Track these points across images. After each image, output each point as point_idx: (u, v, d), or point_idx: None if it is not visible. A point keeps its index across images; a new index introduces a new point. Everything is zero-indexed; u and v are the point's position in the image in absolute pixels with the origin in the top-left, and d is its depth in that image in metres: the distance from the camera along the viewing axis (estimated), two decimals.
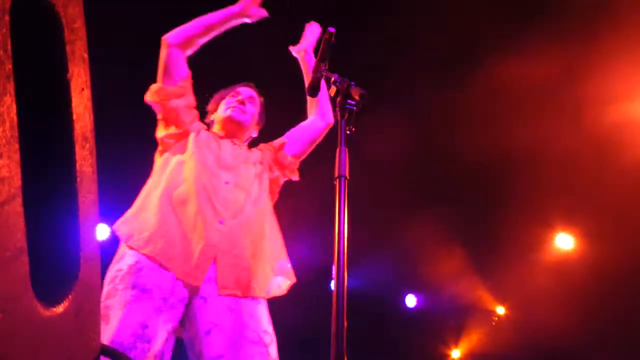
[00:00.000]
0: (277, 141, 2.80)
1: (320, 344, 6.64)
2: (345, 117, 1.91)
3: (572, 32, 5.03)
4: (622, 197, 6.45)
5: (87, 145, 0.96)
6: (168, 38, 2.53)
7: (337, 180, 1.80)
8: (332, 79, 2.00)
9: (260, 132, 2.92)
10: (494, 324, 9.51)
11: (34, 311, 0.80)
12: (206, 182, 2.37)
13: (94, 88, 0.98)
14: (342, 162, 1.82)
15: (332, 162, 1.83)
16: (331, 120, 2.86)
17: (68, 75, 0.91)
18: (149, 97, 2.53)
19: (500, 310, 9.44)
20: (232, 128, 2.68)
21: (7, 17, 0.75)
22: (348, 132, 1.89)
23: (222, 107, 2.73)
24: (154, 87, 2.53)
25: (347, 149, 1.85)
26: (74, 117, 0.92)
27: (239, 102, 2.70)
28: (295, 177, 2.81)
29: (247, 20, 2.71)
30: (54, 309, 0.86)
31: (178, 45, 2.53)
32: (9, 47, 0.75)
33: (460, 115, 6.00)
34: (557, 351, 8.09)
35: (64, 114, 0.91)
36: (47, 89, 0.91)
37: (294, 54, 2.94)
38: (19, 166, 0.76)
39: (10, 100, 0.74)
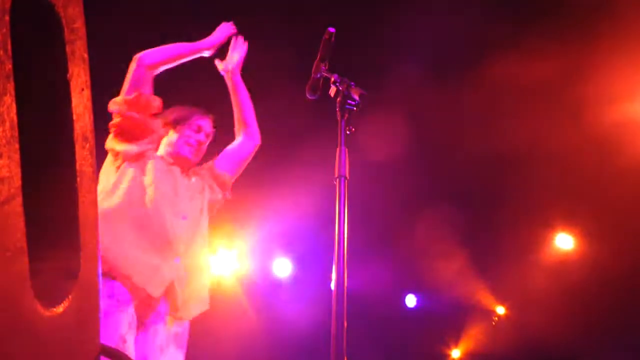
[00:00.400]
0: (211, 165, 2.82)
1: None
2: (345, 117, 1.91)
3: (572, 32, 5.02)
4: (622, 197, 6.45)
5: (87, 145, 0.96)
6: (143, 58, 2.52)
7: (337, 180, 1.80)
8: (332, 79, 2.00)
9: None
10: (493, 324, 9.51)
11: (34, 311, 0.80)
12: (167, 216, 2.43)
13: (93, 88, 0.98)
14: (342, 162, 1.82)
15: (332, 162, 1.83)
16: (258, 141, 2.90)
17: (68, 75, 0.91)
18: (118, 106, 2.47)
19: (500, 310, 9.44)
20: (181, 163, 2.68)
21: (7, 17, 0.75)
22: (348, 132, 1.89)
23: (178, 134, 2.69)
24: (129, 97, 2.48)
25: (347, 149, 1.86)
26: (74, 117, 0.92)
27: (197, 143, 2.70)
28: (230, 196, 2.85)
29: (206, 55, 2.81)
30: (54, 309, 0.86)
31: (151, 67, 2.54)
32: (9, 47, 0.75)
33: (461, 115, 6.00)
34: (557, 351, 8.09)
35: (64, 114, 0.91)
36: (47, 89, 0.91)
37: (221, 71, 2.92)
38: (19, 166, 0.76)
39: (10, 100, 0.74)
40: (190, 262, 2.47)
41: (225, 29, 2.85)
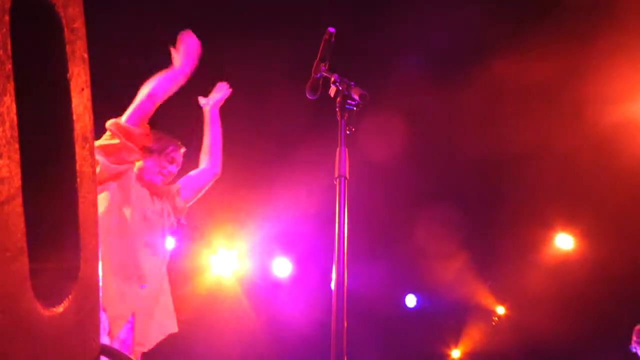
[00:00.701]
0: (174, 187, 2.94)
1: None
2: (345, 117, 1.91)
3: (572, 32, 5.02)
4: (622, 197, 6.45)
5: (87, 145, 0.96)
6: (156, 97, 2.62)
7: (337, 180, 1.80)
8: (332, 78, 1.99)
9: None
10: (493, 323, 9.51)
11: (34, 311, 0.80)
12: (137, 244, 2.53)
13: (93, 88, 0.98)
14: (342, 162, 1.82)
15: (332, 162, 1.83)
16: (218, 170, 3.09)
17: (68, 75, 0.91)
18: (119, 130, 2.55)
19: (500, 310, 9.44)
20: (150, 188, 2.80)
21: (7, 17, 0.75)
22: (348, 132, 1.89)
23: (154, 163, 2.81)
24: (134, 128, 2.57)
25: (347, 149, 1.85)
26: (74, 117, 0.92)
27: (169, 173, 2.84)
28: (184, 220, 3.00)
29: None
30: (54, 309, 0.86)
31: (161, 102, 2.66)
32: (9, 47, 0.75)
33: (460, 115, 6.00)
34: (557, 351, 8.09)
35: (64, 114, 0.91)
36: (47, 89, 0.91)
37: (201, 104, 3.15)
38: (19, 166, 0.76)
39: (10, 100, 0.74)
40: (154, 288, 2.57)
41: (187, 43, 2.83)
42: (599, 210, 6.91)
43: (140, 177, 2.77)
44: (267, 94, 4.85)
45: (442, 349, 9.74)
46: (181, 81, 2.73)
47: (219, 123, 3.13)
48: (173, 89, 2.70)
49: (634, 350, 4.71)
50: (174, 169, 2.85)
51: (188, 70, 2.73)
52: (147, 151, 2.80)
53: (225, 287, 7.17)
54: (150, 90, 2.61)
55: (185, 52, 2.74)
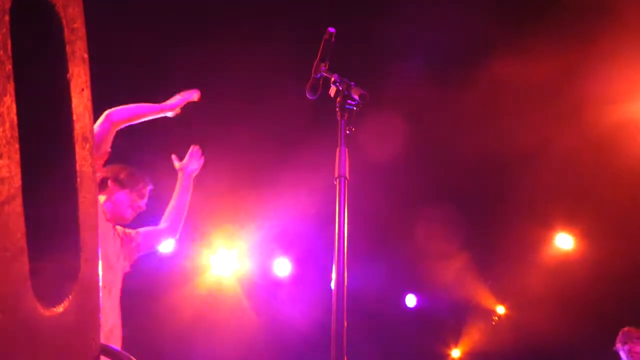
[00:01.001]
0: (135, 237, 2.97)
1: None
2: (345, 117, 1.91)
3: (572, 33, 5.02)
4: (622, 197, 6.45)
5: (87, 145, 0.96)
6: (112, 116, 2.64)
7: (337, 180, 1.80)
8: (332, 78, 1.99)
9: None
10: (494, 323, 9.51)
11: (34, 311, 0.80)
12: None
13: (93, 88, 0.98)
14: (342, 162, 1.82)
15: (332, 162, 1.83)
16: (176, 237, 3.16)
17: (68, 75, 0.91)
18: None
19: (500, 310, 9.44)
20: (117, 221, 2.84)
21: (7, 17, 0.75)
22: (348, 132, 1.89)
23: (125, 198, 2.83)
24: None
25: (347, 149, 1.85)
26: (74, 117, 0.92)
27: (139, 208, 2.88)
28: (129, 269, 2.99)
29: (169, 115, 2.97)
30: (54, 309, 0.86)
31: (117, 124, 2.67)
32: (9, 47, 0.75)
33: (460, 115, 6.00)
34: (557, 351, 8.09)
35: (64, 114, 0.91)
36: (47, 89, 0.91)
37: (175, 167, 3.18)
38: (19, 166, 0.76)
39: (10, 100, 0.74)
40: (105, 332, 2.52)
41: (188, 95, 3.01)
42: (599, 210, 6.91)
43: (111, 210, 2.78)
44: (267, 94, 4.84)
45: (442, 349, 9.74)
46: (149, 116, 2.79)
47: (189, 192, 3.18)
48: (135, 119, 2.74)
49: (618, 351, 4.72)
50: (143, 204, 2.90)
51: (163, 110, 2.83)
52: (119, 183, 2.83)
53: (225, 287, 7.17)
54: (108, 113, 2.62)
55: (180, 99, 2.87)
